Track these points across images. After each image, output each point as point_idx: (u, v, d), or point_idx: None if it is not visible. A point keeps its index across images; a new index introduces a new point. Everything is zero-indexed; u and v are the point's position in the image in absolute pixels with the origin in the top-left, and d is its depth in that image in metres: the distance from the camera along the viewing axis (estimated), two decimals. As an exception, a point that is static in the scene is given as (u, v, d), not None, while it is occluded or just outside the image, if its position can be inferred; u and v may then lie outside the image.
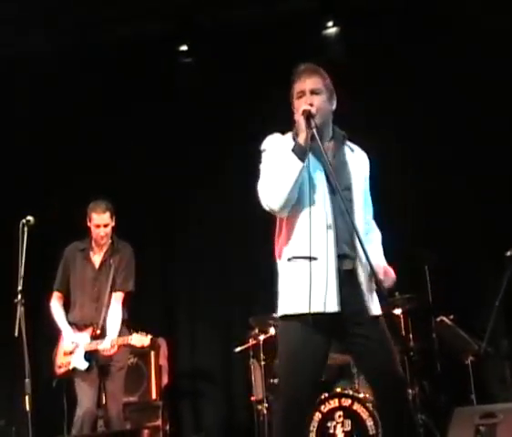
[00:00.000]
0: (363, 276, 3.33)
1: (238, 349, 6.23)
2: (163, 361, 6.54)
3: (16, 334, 4.88)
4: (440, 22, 6.67)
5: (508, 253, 4.79)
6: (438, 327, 5.76)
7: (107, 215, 5.15)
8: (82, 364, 5.00)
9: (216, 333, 7.13)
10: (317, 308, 3.23)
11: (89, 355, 5.01)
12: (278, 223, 3.48)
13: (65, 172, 7.08)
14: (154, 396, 6.25)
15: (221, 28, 7.18)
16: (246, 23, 7.09)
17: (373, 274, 3.22)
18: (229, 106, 7.08)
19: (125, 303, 5.19)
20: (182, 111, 7.21)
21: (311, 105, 3.37)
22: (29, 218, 4.81)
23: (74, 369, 5.03)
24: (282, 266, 3.40)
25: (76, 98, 6.97)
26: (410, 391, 5.67)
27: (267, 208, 3.34)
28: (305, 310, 3.22)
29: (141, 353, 6.31)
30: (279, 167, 3.29)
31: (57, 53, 7.03)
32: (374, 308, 3.35)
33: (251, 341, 6.09)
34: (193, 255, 7.22)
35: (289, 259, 3.36)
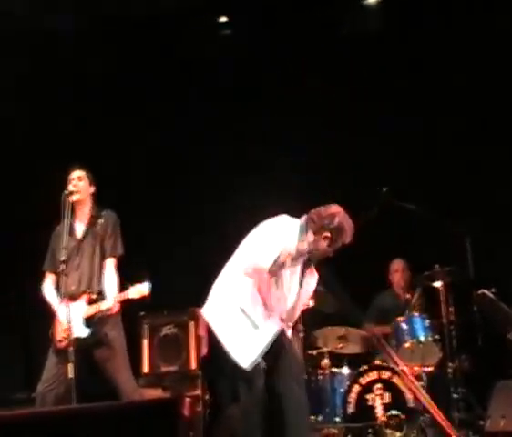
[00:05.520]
0: None
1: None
2: (203, 332, 6.56)
3: (57, 307, 4.99)
4: None
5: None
6: (479, 300, 5.68)
7: (82, 173, 5.19)
8: (82, 332, 4.96)
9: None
10: None
11: (89, 322, 4.98)
12: None
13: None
14: (193, 366, 6.29)
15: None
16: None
17: None
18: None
19: (116, 268, 5.18)
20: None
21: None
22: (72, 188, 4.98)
23: (77, 338, 4.86)
24: None
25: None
26: (451, 364, 5.64)
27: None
28: None
29: (180, 324, 6.35)
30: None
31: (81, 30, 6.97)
32: None
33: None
34: (225, 226, 7.21)
35: None
